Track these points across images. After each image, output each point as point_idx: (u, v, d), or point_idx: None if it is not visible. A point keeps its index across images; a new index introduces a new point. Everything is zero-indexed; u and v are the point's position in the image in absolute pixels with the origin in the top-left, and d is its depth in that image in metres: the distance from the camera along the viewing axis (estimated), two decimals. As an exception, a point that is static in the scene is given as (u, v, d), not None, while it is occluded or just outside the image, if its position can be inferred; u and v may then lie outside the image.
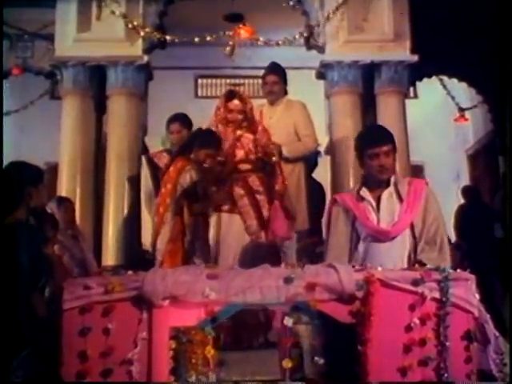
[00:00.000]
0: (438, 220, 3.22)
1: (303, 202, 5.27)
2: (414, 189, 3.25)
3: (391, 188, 3.27)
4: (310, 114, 5.56)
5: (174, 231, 4.26)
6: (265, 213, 4.33)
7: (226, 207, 4.34)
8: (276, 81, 5.44)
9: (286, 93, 5.64)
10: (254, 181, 4.37)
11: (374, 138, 3.34)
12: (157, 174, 4.95)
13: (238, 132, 4.49)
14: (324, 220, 3.58)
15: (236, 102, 4.53)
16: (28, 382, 2.60)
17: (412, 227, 3.19)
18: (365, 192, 3.31)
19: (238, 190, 4.33)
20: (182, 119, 5.22)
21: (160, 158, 5.02)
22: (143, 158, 5.55)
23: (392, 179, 3.29)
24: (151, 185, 5.07)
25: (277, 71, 5.49)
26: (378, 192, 3.28)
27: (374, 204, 3.26)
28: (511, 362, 2.60)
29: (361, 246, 3.26)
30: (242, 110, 4.53)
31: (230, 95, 4.60)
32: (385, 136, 3.36)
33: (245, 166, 4.41)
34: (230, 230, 4.28)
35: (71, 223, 5.15)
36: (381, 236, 3.20)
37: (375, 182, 3.30)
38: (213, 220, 4.32)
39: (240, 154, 4.44)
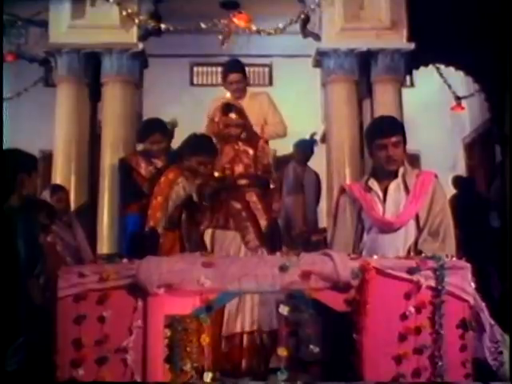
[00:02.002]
0: (444, 212, 3.20)
1: None
2: (422, 181, 3.22)
3: (399, 179, 3.25)
4: (275, 103, 5.46)
5: (166, 245, 3.99)
6: (263, 228, 4.20)
7: (220, 222, 4.18)
8: (240, 79, 5.30)
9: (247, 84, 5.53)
10: (252, 196, 4.23)
11: (382, 129, 3.31)
12: (132, 178, 4.71)
13: (236, 147, 4.31)
14: (332, 209, 3.56)
15: (233, 115, 4.30)
16: (23, 370, 2.60)
17: (417, 219, 3.18)
18: (373, 183, 3.29)
19: (235, 205, 4.19)
20: (163, 129, 4.81)
21: (138, 162, 4.74)
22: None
23: (400, 170, 3.26)
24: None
25: (239, 69, 5.32)
26: (386, 183, 3.26)
27: (380, 195, 3.25)
28: (511, 360, 2.61)
29: (366, 237, 3.25)
30: (240, 123, 4.33)
31: (227, 109, 4.36)
32: (394, 127, 3.34)
33: (243, 181, 4.25)
34: (224, 246, 4.13)
35: (65, 211, 5.12)
36: (384, 227, 3.19)
37: (383, 172, 3.28)
38: (207, 236, 4.16)
39: (239, 169, 4.27)
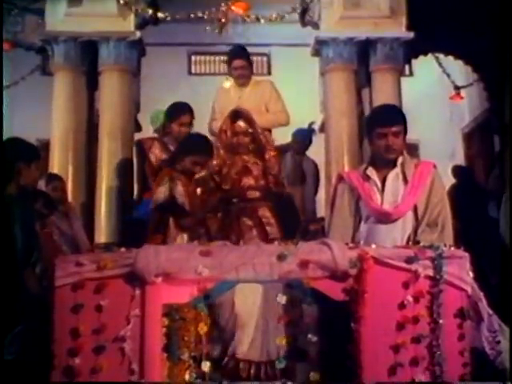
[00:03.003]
0: (442, 203, 3.19)
1: None
2: (420, 171, 3.21)
3: (398, 169, 3.23)
4: (278, 91, 5.46)
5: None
6: None
7: (231, 240, 3.90)
8: (244, 65, 5.31)
9: (252, 72, 5.54)
10: (264, 211, 4.09)
11: (383, 118, 3.29)
12: (144, 162, 4.75)
13: (246, 158, 4.19)
14: (329, 197, 3.52)
15: (241, 123, 4.18)
16: (20, 359, 2.60)
17: (415, 209, 3.16)
18: (371, 171, 3.27)
19: (246, 221, 4.07)
20: (192, 112, 4.80)
21: (151, 147, 4.73)
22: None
23: (399, 160, 3.24)
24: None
25: (243, 55, 5.35)
26: (385, 172, 3.24)
27: (379, 184, 3.23)
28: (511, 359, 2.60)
29: (363, 226, 3.23)
30: (248, 132, 4.20)
31: (235, 116, 4.23)
32: (395, 116, 3.31)
33: (254, 194, 4.12)
34: None
35: (61, 201, 5.11)
36: (382, 217, 3.18)
37: (382, 161, 3.26)
38: None
39: (248, 181, 4.14)
